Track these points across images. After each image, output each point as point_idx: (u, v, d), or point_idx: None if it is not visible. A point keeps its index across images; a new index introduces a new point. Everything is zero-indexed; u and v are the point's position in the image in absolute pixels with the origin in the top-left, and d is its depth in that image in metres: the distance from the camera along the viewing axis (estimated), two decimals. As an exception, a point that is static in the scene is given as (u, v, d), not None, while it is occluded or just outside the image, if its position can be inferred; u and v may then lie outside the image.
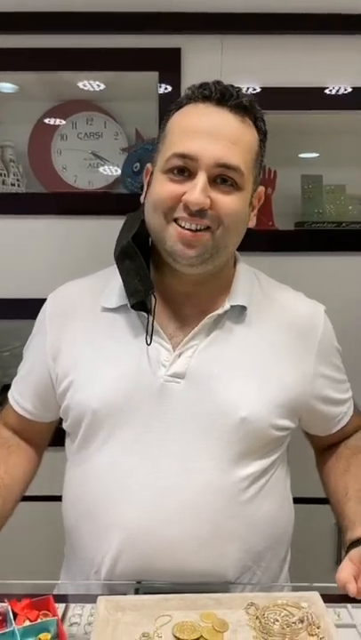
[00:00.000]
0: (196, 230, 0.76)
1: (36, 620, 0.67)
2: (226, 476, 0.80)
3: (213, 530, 0.80)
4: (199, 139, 0.75)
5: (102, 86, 1.54)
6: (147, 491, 0.80)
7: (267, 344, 0.84)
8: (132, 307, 0.81)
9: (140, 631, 0.68)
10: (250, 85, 1.40)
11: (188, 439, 0.80)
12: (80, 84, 1.54)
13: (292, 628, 0.69)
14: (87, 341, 0.84)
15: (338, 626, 0.70)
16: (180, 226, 0.76)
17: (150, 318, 0.80)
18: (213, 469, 0.80)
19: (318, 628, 0.69)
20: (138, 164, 1.54)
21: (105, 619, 0.70)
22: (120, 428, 0.81)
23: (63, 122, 1.62)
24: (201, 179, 0.74)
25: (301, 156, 1.65)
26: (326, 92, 1.43)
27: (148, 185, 0.83)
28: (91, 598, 0.75)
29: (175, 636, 0.68)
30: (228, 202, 0.76)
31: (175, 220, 0.77)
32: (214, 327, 0.83)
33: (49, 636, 0.66)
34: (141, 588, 0.80)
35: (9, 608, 0.67)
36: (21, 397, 0.93)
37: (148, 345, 0.80)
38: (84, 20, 1.38)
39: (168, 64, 1.39)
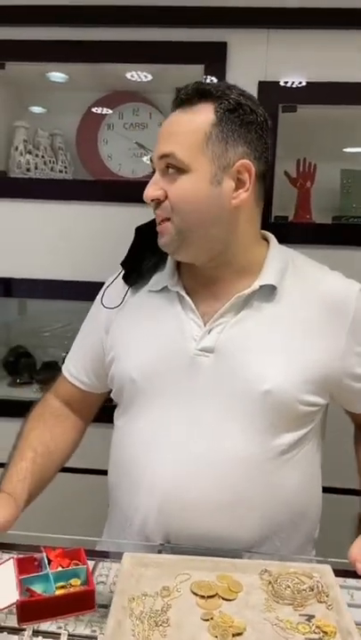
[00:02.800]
0: (161, 222, 0.86)
1: (68, 567, 0.74)
2: (251, 445, 0.84)
3: (235, 496, 0.84)
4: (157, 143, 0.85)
5: (149, 77, 1.59)
6: (176, 455, 0.86)
7: (297, 321, 0.86)
8: (124, 277, 0.94)
9: (160, 585, 0.74)
10: (295, 80, 1.43)
11: (215, 409, 0.85)
12: (128, 75, 1.59)
13: (302, 594, 0.73)
14: (133, 318, 0.93)
15: (351, 605, 0.74)
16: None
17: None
18: (238, 439, 0.84)
19: (327, 596, 0.73)
20: (180, 155, 1.58)
21: (129, 572, 0.76)
22: (155, 397, 0.88)
23: (110, 112, 1.68)
24: (155, 175, 0.84)
25: (344, 150, 1.66)
26: (370, 86, 1.43)
27: None
28: (117, 556, 0.82)
29: (193, 592, 0.73)
30: (175, 187, 0.83)
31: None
32: (244, 306, 0.87)
33: (79, 581, 0.72)
34: (164, 549, 0.86)
35: (44, 555, 0.74)
36: (76, 369, 1.01)
37: (114, 308, 0.94)
38: (133, 14, 1.43)
39: (214, 57, 1.42)
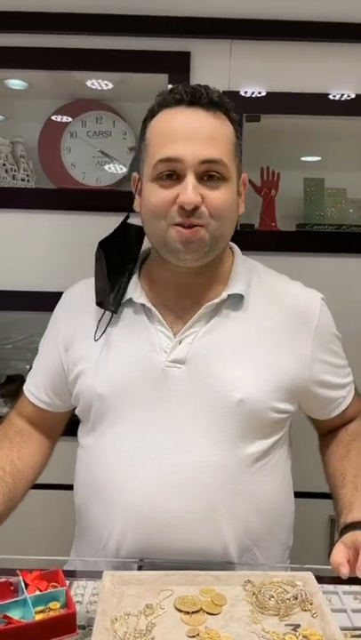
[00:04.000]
0: (193, 227, 0.81)
1: (46, 590, 0.71)
2: (225, 455, 0.84)
3: (212, 508, 0.84)
4: (180, 141, 0.79)
5: (110, 85, 1.58)
6: (149, 470, 0.84)
7: (264, 330, 0.87)
8: (97, 304, 0.89)
9: (143, 603, 0.72)
10: (256, 90, 1.45)
11: (188, 421, 0.84)
12: (88, 83, 1.58)
13: (286, 603, 0.73)
14: (94, 332, 0.90)
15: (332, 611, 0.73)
16: (181, 226, 0.81)
17: (107, 316, 0.88)
18: (212, 449, 0.84)
19: (311, 604, 0.73)
20: (145, 163, 1.58)
21: (110, 591, 0.73)
22: (124, 412, 0.86)
23: (73, 120, 1.66)
24: (190, 179, 0.79)
25: (304, 159, 1.70)
26: (330, 97, 1.47)
27: (139, 194, 0.87)
28: (94, 574, 0.79)
29: (177, 609, 0.72)
30: (218, 196, 0.81)
31: (176, 224, 0.82)
32: (213, 315, 0.87)
33: (58, 604, 0.69)
34: (144, 565, 0.84)
35: (21, 579, 0.71)
36: (36, 389, 0.98)
37: (96, 340, 0.87)
38: (96, 22, 1.42)
39: (178, 67, 1.43)
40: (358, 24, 1.42)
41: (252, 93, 1.45)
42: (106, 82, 1.58)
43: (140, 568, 0.83)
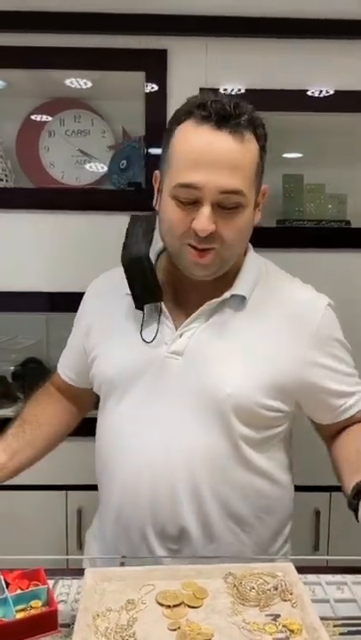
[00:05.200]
0: (204, 250, 0.83)
1: (27, 589, 0.71)
2: (212, 443, 0.88)
3: (197, 490, 0.88)
4: (201, 168, 0.79)
5: (89, 84, 1.58)
6: (143, 450, 0.90)
7: (262, 330, 0.89)
8: (137, 308, 0.91)
9: (125, 599, 0.72)
10: (235, 86, 1.45)
11: (181, 409, 0.88)
12: (67, 82, 1.57)
13: (266, 594, 0.74)
14: (110, 321, 0.97)
15: (314, 601, 0.74)
16: (193, 247, 0.83)
17: (145, 315, 0.91)
18: (200, 436, 0.88)
19: (291, 594, 0.74)
20: (125, 162, 1.58)
21: (92, 588, 0.74)
22: (127, 395, 0.92)
23: (51, 119, 1.65)
24: (206, 208, 0.80)
25: (284, 155, 1.71)
26: (308, 94, 1.48)
27: (159, 192, 0.88)
28: (79, 573, 0.79)
29: (159, 603, 0.72)
30: (233, 224, 0.82)
31: (189, 244, 0.84)
32: (215, 312, 0.90)
33: (40, 603, 0.70)
34: (126, 561, 0.84)
35: (1, 578, 0.71)
36: (66, 365, 1.10)
37: (150, 342, 0.90)
38: (73, 20, 1.42)
39: (155, 64, 1.43)
40: (336, 20, 1.44)
41: (230, 90, 1.46)
42: (85, 80, 1.57)
43: (122, 564, 0.83)
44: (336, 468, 0.93)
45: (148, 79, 1.44)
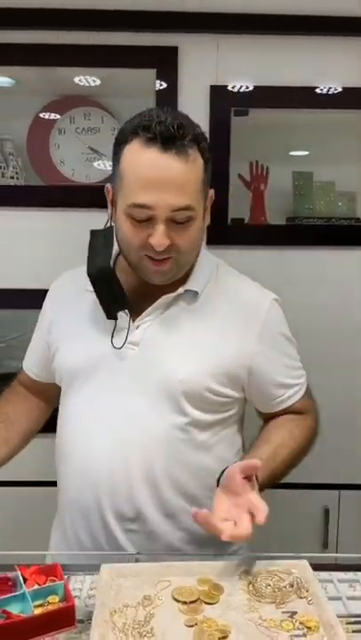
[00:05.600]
0: (162, 260, 0.90)
1: (44, 584, 0.71)
2: (167, 428, 0.94)
3: (151, 472, 0.93)
4: (152, 190, 0.84)
5: (98, 82, 1.58)
6: (101, 436, 0.95)
7: (212, 323, 0.96)
8: (107, 318, 0.95)
9: (141, 594, 0.73)
10: (244, 84, 1.45)
11: (136, 395, 0.94)
12: (76, 79, 1.57)
13: (282, 591, 0.74)
14: (70, 316, 1.03)
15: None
16: (150, 257, 0.90)
17: (117, 323, 0.95)
18: (155, 421, 0.94)
19: (307, 591, 0.74)
20: (135, 159, 1.58)
21: (108, 584, 0.74)
22: (85, 384, 0.98)
23: (60, 116, 1.65)
24: (160, 226, 0.86)
25: (293, 153, 1.70)
26: (317, 91, 1.48)
27: (113, 205, 0.93)
28: (92, 568, 0.80)
29: (175, 599, 0.72)
30: (186, 235, 0.89)
31: (146, 255, 0.90)
32: (169, 306, 0.97)
33: (57, 598, 0.70)
34: (140, 558, 0.85)
35: (19, 574, 0.72)
36: (31, 364, 1.15)
37: (119, 348, 0.95)
38: (84, 17, 1.42)
39: (165, 62, 1.43)
40: (346, 17, 1.43)
41: (240, 87, 1.46)
42: (94, 78, 1.57)
43: (136, 560, 0.84)
44: (252, 444, 1.00)
45: (159, 76, 1.44)
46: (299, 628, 0.68)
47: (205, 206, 0.93)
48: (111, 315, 0.95)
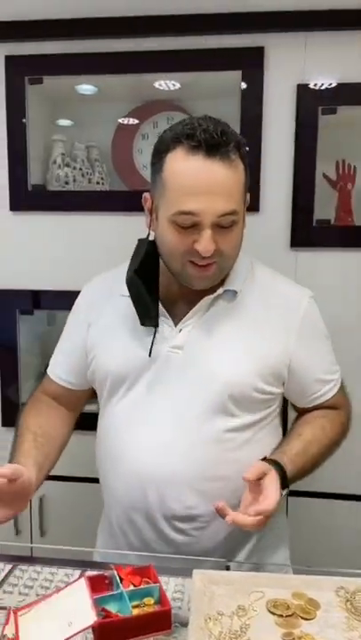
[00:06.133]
0: (206, 265, 0.90)
1: (139, 585, 0.72)
2: (214, 427, 0.95)
3: (201, 471, 0.95)
4: (199, 197, 0.85)
5: (178, 85, 1.58)
6: (147, 437, 0.96)
7: (253, 321, 0.97)
8: (141, 324, 0.97)
9: (235, 604, 0.72)
10: (332, 81, 1.41)
11: (183, 398, 0.95)
12: (156, 84, 1.59)
13: (383, 612, 0.71)
14: (108, 321, 1.03)
15: None
16: (195, 264, 0.90)
17: (155, 331, 0.96)
18: (202, 422, 0.95)
19: None
20: (218, 162, 1.57)
21: (201, 590, 0.74)
22: (131, 389, 0.99)
23: (144, 122, 1.68)
24: (207, 232, 0.87)
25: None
26: None
27: (151, 214, 0.94)
28: (177, 572, 0.81)
29: (270, 611, 0.71)
30: (230, 239, 0.90)
31: (190, 262, 0.91)
32: (210, 307, 0.98)
33: (152, 600, 0.71)
34: (231, 565, 0.84)
35: (115, 573, 0.73)
36: (60, 369, 1.11)
37: (149, 356, 0.97)
38: (170, 23, 1.43)
39: (252, 63, 1.41)
40: None
41: (328, 85, 1.41)
42: (173, 82, 1.58)
43: (227, 568, 0.83)
44: (286, 436, 1.03)
45: (245, 78, 1.43)
46: None
47: (245, 210, 0.94)
48: (144, 324, 0.96)
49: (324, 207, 1.52)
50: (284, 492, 0.88)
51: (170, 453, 0.95)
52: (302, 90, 1.41)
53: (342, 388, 1.07)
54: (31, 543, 1.65)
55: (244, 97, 1.44)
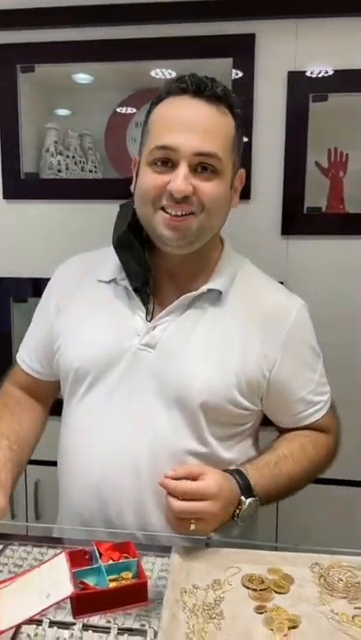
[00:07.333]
0: (182, 215, 0.83)
1: (118, 560, 0.74)
2: (182, 439, 0.88)
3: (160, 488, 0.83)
4: (177, 131, 0.81)
5: (173, 74, 1.58)
6: (109, 445, 0.89)
7: (236, 327, 0.89)
8: (135, 290, 0.90)
9: (211, 578, 0.74)
10: (323, 68, 1.41)
11: (150, 402, 0.88)
12: (152, 73, 1.59)
13: (356, 587, 0.72)
14: (80, 307, 0.95)
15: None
16: (167, 213, 0.83)
17: (151, 297, 0.90)
18: (171, 431, 0.87)
19: (382, 589, 0.72)
20: (210, 150, 1.58)
21: (180, 564, 0.76)
22: (95, 387, 0.91)
23: (138, 110, 1.68)
24: (182, 168, 0.81)
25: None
26: None
27: (137, 176, 0.90)
28: (162, 550, 0.82)
29: (244, 585, 0.73)
30: (210, 188, 0.83)
31: (162, 209, 0.84)
32: (190, 306, 0.90)
33: (130, 574, 0.72)
34: (211, 542, 0.85)
35: (95, 548, 0.75)
36: (29, 358, 1.04)
37: (149, 322, 0.89)
38: (158, 10, 1.43)
39: (242, 50, 1.41)
40: None
41: (319, 72, 1.41)
42: (170, 71, 1.58)
43: (207, 545, 0.85)
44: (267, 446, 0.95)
45: (236, 65, 1.43)
46: (372, 625, 0.66)
47: (234, 182, 0.89)
48: (137, 284, 0.88)
49: (316, 195, 1.53)
50: (248, 501, 0.82)
51: (132, 466, 0.88)
52: (293, 77, 1.41)
53: (332, 411, 0.98)
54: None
55: (235, 85, 1.44)
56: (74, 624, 0.68)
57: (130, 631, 0.67)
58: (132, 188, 0.92)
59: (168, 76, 1.59)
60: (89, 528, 0.91)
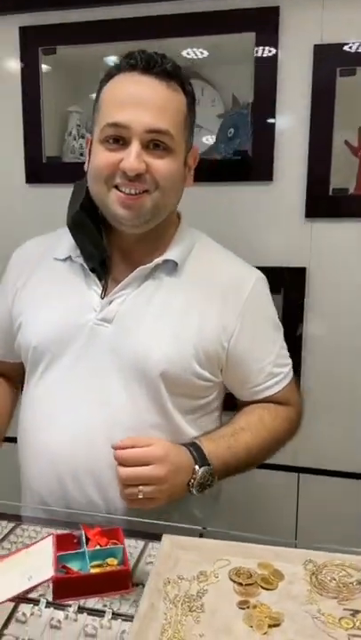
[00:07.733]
0: (136, 194, 0.83)
1: (105, 546, 0.74)
2: (143, 413, 0.88)
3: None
4: (129, 108, 0.81)
5: (206, 53, 1.54)
6: (68, 421, 0.89)
7: (193, 298, 0.89)
8: (91, 270, 0.91)
9: (198, 569, 0.73)
10: (351, 41, 1.33)
11: (109, 377, 0.88)
12: (184, 53, 1.54)
13: (348, 587, 0.69)
14: (36, 287, 0.96)
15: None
16: (120, 191, 0.83)
17: (106, 276, 0.91)
18: (132, 406, 0.88)
19: (377, 591, 0.68)
20: (232, 130, 1.53)
21: (167, 554, 0.74)
22: (53, 364, 0.91)
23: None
24: (135, 146, 0.81)
25: None
26: None
27: (90, 155, 0.89)
28: (152, 537, 0.81)
29: (231, 579, 0.71)
30: (163, 165, 0.83)
31: (115, 187, 0.84)
32: (146, 279, 0.90)
33: (115, 561, 0.72)
34: (206, 533, 0.84)
35: (83, 533, 0.75)
36: None
37: (102, 299, 0.89)
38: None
39: (266, 24, 1.35)
40: None
41: (348, 45, 1.33)
42: (201, 50, 1.53)
43: (201, 535, 0.83)
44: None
45: (259, 41, 1.37)
46: (359, 628, 0.63)
47: (187, 160, 0.89)
48: (94, 264, 0.89)
49: (344, 176, 1.45)
50: (202, 469, 0.83)
51: (93, 443, 0.87)
52: (320, 50, 1.34)
53: (293, 384, 0.98)
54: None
55: (258, 62, 1.38)
56: (69, 606, 0.69)
57: (125, 616, 0.67)
58: (85, 166, 0.92)
59: (200, 56, 1.55)
60: (91, 512, 0.91)
